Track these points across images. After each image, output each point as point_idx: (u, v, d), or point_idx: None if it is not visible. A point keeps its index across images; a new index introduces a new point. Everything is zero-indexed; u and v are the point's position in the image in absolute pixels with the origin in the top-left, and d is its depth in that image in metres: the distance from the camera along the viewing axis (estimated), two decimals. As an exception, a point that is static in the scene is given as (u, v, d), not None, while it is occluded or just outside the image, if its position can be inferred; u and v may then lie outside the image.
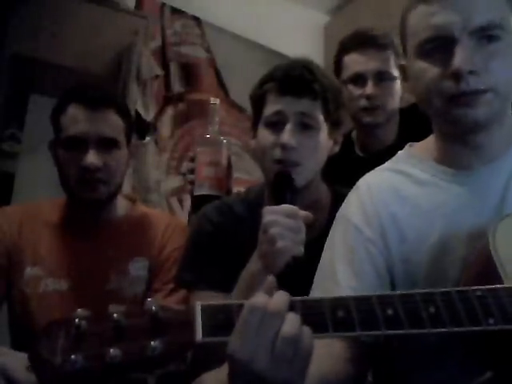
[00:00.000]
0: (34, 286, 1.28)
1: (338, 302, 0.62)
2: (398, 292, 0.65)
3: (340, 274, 0.87)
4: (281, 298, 0.60)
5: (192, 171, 1.38)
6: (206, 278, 1.18)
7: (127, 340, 0.56)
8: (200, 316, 0.59)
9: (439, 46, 0.82)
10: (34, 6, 2.26)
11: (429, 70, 0.83)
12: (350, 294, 0.81)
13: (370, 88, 1.53)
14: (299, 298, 0.63)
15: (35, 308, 1.26)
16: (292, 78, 1.14)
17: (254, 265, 1.04)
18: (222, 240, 1.22)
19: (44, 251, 1.31)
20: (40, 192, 2.02)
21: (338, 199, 1.15)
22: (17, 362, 1.03)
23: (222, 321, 0.59)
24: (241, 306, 0.60)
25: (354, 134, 1.71)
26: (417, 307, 0.63)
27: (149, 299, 0.59)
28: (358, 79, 1.56)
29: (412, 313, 0.62)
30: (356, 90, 1.56)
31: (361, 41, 1.57)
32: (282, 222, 0.98)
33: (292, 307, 0.61)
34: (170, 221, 1.42)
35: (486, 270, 0.72)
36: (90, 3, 2.37)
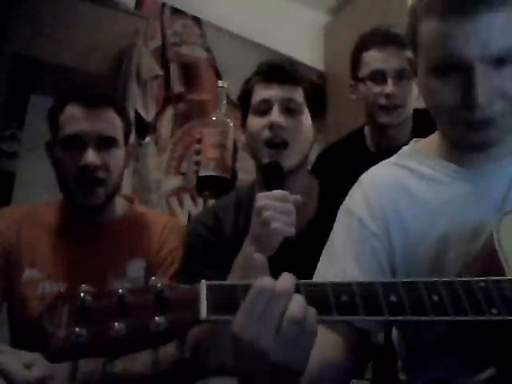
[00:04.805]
0: (32, 288, 1.27)
1: (342, 287, 0.63)
2: (402, 280, 0.65)
3: (345, 267, 0.87)
4: (288, 279, 0.60)
5: (198, 152, 1.38)
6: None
7: (131, 315, 0.56)
8: (205, 294, 0.59)
9: (453, 69, 0.80)
10: (33, 5, 2.26)
11: (440, 93, 0.82)
12: None
13: (390, 86, 1.52)
14: (303, 280, 0.63)
15: (34, 310, 1.26)
16: (275, 67, 1.28)
17: (247, 248, 1.09)
18: (220, 243, 1.25)
19: (42, 253, 1.31)
20: (40, 192, 2.02)
21: (324, 188, 1.31)
22: (15, 359, 1.03)
23: (226, 300, 0.60)
24: (246, 286, 0.60)
25: (366, 130, 1.70)
26: (420, 295, 0.63)
27: (153, 278, 0.60)
28: (378, 77, 1.55)
29: (415, 300, 0.63)
30: (375, 88, 1.55)
31: (381, 38, 1.56)
32: (275, 206, 1.04)
33: (296, 289, 0.61)
34: (167, 221, 1.42)
35: (490, 263, 0.72)
36: (90, 3, 2.37)
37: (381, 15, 2.65)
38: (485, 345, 0.72)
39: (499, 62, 0.78)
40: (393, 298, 0.62)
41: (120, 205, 1.40)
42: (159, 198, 2.62)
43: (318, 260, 0.93)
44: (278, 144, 1.21)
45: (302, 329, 0.58)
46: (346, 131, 1.83)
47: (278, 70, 1.27)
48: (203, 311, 0.58)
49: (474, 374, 0.77)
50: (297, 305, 0.58)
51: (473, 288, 0.65)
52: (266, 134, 1.22)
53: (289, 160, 1.21)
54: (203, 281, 0.60)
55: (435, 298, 0.63)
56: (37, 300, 1.27)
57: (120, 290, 0.57)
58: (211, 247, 1.26)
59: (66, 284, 1.29)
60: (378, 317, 0.62)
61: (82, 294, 0.56)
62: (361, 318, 0.61)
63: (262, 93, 1.26)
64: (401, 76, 1.53)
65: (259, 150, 1.24)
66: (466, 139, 0.84)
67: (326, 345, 0.79)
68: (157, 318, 0.56)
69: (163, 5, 2.80)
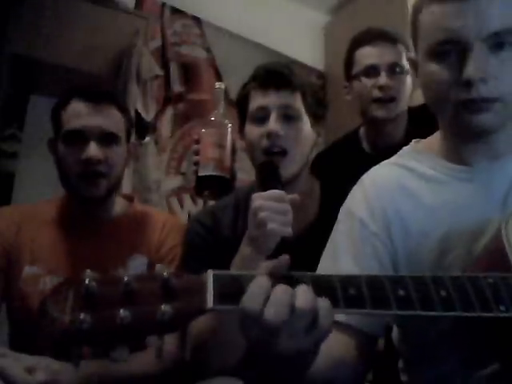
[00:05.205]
0: (33, 284, 1.28)
1: (350, 280, 0.62)
2: (410, 274, 0.65)
3: (343, 269, 0.87)
4: (283, 289, 0.59)
5: (197, 153, 1.38)
6: None
7: (137, 303, 0.56)
8: (212, 283, 0.58)
9: (451, 50, 0.81)
10: (33, 5, 2.26)
11: (440, 75, 0.83)
12: None
13: (383, 78, 1.54)
14: (310, 273, 0.63)
15: (35, 306, 1.26)
16: (272, 72, 1.24)
17: (244, 249, 1.08)
18: (217, 243, 1.24)
19: (42, 249, 1.31)
20: (40, 192, 2.02)
21: (326, 190, 1.29)
22: (16, 363, 1.02)
23: (233, 289, 0.59)
24: (252, 276, 0.60)
25: (361, 131, 1.71)
26: (428, 290, 0.63)
27: (158, 265, 0.59)
28: (371, 71, 1.56)
29: (423, 295, 0.62)
30: (368, 82, 1.56)
31: (373, 35, 1.58)
32: (271, 206, 1.03)
33: (303, 282, 0.60)
34: (167, 219, 1.43)
35: (497, 259, 0.72)
36: (90, 3, 2.37)
37: (381, 15, 2.65)
38: (489, 340, 0.71)
39: (497, 44, 0.80)
40: (401, 293, 0.62)
41: (120, 203, 1.41)
42: (159, 197, 2.62)
43: (319, 262, 0.93)
44: (276, 153, 1.19)
45: (313, 320, 0.58)
46: (346, 131, 1.83)
47: (275, 75, 1.23)
48: (209, 300, 0.57)
49: (477, 369, 0.77)
50: (303, 298, 0.58)
51: (481, 284, 0.65)
52: (264, 143, 1.19)
53: (288, 168, 1.19)
54: (210, 270, 0.60)
55: (443, 293, 0.63)
56: (37, 296, 1.27)
57: (126, 278, 0.56)
58: (209, 247, 1.25)
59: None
60: (386, 311, 0.61)
61: (87, 280, 0.56)
62: (369, 312, 0.61)
63: (258, 100, 1.23)
64: (394, 70, 1.55)
65: (258, 159, 1.22)
66: (464, 123, 0.83)
67: (339, 345, 0.80)
68: (163, 306, 0.55)
69: (163, 5, 2.80)
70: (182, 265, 1.27)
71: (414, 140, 1.01)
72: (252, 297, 0.58)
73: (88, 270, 0.57)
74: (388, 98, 1.54)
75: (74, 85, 1.35)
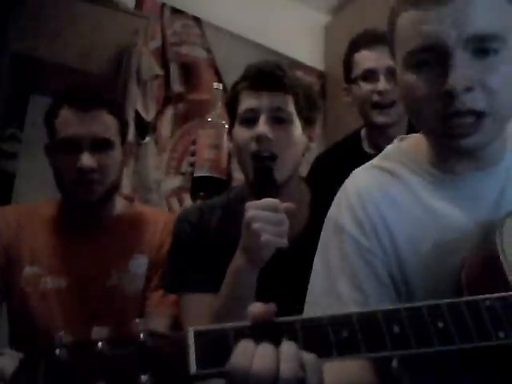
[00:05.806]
0: (34, 284, 1.28)
1: (341, 321, 0.59)
2: (404, 306, 0.62)
3: (341, 289, 0.82)
4: (265, 357, 0.54)
5: (193, 154, 1.38)
6: (188, 282, 1.19)
7: (114, 373, 0.51)
8: (193, 344, 0.54)
9: (431, 58, 0.75)
10: (34, 5, 2.26)
11: (419, 87, 0.76)
12: (356, 309, 0.76)
13: (382, 83, 1.54)
14: (299, 318, 0.59)
15: (35, 306, 1.27)
16: (263, 73, 1.17)
17: (238, 259, 1.05)
18: (203, 241, 1.22)
19: (42, 249, 1.32)
20: (40, 192, 2.02)
21: (316, 196, 1.25)
22: (14, 363, 1.02)
23: (217, 348, 0.54)
24: (238, 330, 0.56)
25: (363, 132, 1.71)
26: (424, 322, 0.60)
27: (137, 320, 0.54)
28: (370, 75, 1.56)
29: (420, 329, 0.59)
30: (367, 86, 1.56)
31: (371, 38, 1.59)
32: (265, 216, 0.98)
33: (293, 330, 0.57)
34: (167, 218, 1.43)
35: (490, 265, 0.70)
36: (90, 3, 2.37)
37: (381, 15, 2.65)
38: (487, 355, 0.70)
39: (480, 50, 0.73)
40: (396, 329, 0.59)
41: (120, 203, 1.42)
42: (159, 197, 2.62)
43: (310, 272, 0.88)
44: (265, 157, 1.13)
45: (301, 381, 0.55)
46: (346, 131, 1.84)
47: (267, 76, 1.17)
48: (192, 365, 0.53)
49: (475, 373, 0.76)
50: (287, 364, 0.54)
51: (479, 309, 0.62)
52: (253, 146, 1.14)
53: (279, 174, 1.12)
54: (190, 328, 0.55)
55: (440, 324, 0.60)
56: (38, 296, 1.27)
57: (99, 344, 0.52)
58: (194, 244, 1.22)
59: (67, 278, 1.29)
60: (381, 353, 0.58)
61: (57, 351, 0.51)
62: (364, 356, 0.58)
63: (248, 101, 1.17)
64: (392, 73, 1.54)
65: (246, 164, 1.17)
66: (450, 146, 0.79)
67: (357, 370, 0.79)
68: (142, 376, 0.51)
69: (163, 5, 2.80)
70: (169, 264, 1.26)
71: (398, 137, 0.97)
72: (237, 367, 0.54)
73: (60, 334, 0.52)
74: (388, 103, 1.54)
75: (64, 89, 1.34)
